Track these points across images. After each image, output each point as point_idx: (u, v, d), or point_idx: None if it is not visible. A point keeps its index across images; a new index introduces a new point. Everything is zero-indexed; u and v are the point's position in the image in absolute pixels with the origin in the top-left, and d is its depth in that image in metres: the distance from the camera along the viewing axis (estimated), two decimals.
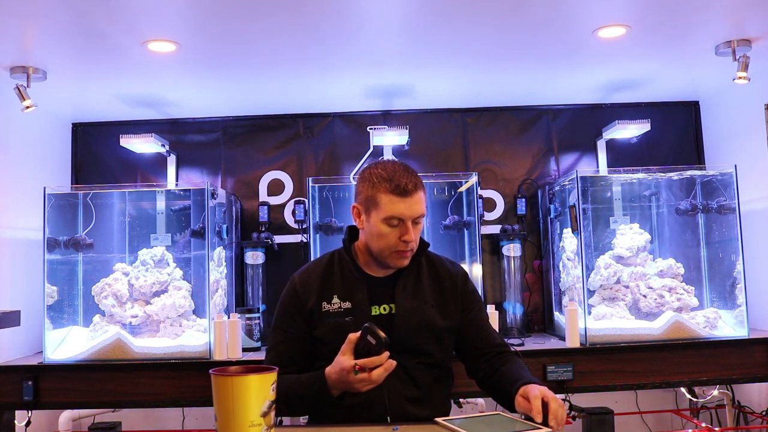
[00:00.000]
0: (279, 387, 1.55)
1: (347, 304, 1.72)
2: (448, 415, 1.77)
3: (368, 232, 1.72)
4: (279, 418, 1.85)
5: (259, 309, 3.22)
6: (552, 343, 3.05)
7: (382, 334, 1.51)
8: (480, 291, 3.07)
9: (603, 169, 3.55)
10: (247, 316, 3.10)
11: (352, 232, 1.83)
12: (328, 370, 1.59)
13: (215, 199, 3.09)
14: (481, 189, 3.56)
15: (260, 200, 3.63)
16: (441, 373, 1.80)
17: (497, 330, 2.88)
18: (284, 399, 1.54)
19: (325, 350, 1.69)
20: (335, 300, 1.73)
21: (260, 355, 3.01)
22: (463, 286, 1.84)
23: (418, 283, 1.79)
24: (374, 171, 1.71)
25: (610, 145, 3.62)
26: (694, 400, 3.35)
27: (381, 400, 1.67)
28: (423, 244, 1.81)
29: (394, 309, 1.73)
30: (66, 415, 3.14)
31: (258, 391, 1.22)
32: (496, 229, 3.57)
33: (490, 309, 2.90)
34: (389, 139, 3.38)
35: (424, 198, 1.71)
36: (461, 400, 3.19)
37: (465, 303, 1.82)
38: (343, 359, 1.55)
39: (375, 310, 1.73)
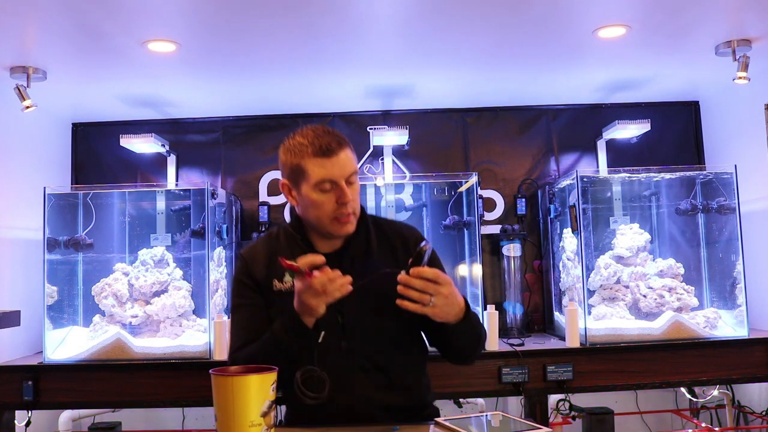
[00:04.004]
0: (257, 354, 1.51)
1: None
2: (428, 392, 1.73)
3: (303, 205, 1.61)
4: (279, 419, 1.83)
5: None
6: (552, 343, 3.05)
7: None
8: (480, 291, 3.07)
9: (603, 169, 3.55)
10: None
11: (295, 209, 1.71)
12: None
13: (215, 199, 3.09)
14: (481, 189, 3.56)
15: (260, 200, 3.63)
16: (406, 346, 1.67)
17: (497, 331, 2.91)
18: (266, 356, 1.48)
19: None
20: (287, 278, 1.62)
21: None
22: (416, 246, 1.66)
23: (367, 254, 1.66)
24: (293, 141, 1.59)
25: (610, 145, 3.62)
26: (694, 400, 3.35)
27: (349, 394, 1.57)
28: (365, 214, 1.70)
29: None
30: (66, 415, 3.14)
31: (258, 391, 1.22)
32: (496, 229, 3.57)
33: (491, 309, 2.90)
34: (389, 139, 3.38)
35: (352, 155, 1.60)
36: (461, 400, 3.19)
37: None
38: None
39: None
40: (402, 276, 1.44)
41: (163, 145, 3.43)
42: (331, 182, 1.55)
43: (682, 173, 3.26)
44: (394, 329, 1.65)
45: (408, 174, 3.62)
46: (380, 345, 1.63)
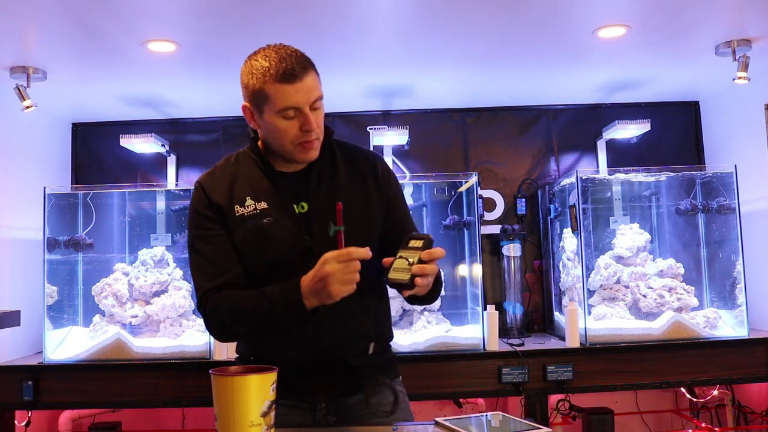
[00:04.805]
0: (238, 305, 1.45)
1: (263, 204, 1.54)
2: (389, 320, 1.71)
3: (265, 130, 1.53)
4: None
5: None
6: (552, 343, 3.05)
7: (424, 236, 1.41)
8: (480, 291, 3.07)
9: (603, 169, 3.55)
10: None
11: (256, 131, 1.62)
12: (305, 276, 1.40)
13: None
14: (481, 189, 3.56)
15: None
16: (372, 273, 1.52)
17: (497, 331, 2.92)
18: (248, 317, 1.45)
19: (248, 260, 1.53)
20: (249, 202, 1.54)
21: None
22: (385, 178, 1.65)
23: (333, 175, 1.59)
24: (254, 62, 1.49)
25: (610, 145, 3.62)
26: (694, 400, 3.35)
27: (314, 323, 1.48)
28: (328, 131, 1.61)
29: (306, 207, 1.54)
30: (66, 415, 3.14)
31: (258, 391, 1.22)
32: (496, 229, 3.57)
33: (491, 309, 2.90)
34: (389, 139, 3.39)
35: (317, 78, 1.51)
36: (461, 400, 3.19)
37: (389, 197, 1.64)
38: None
39: (296, 209, 1.54)
40: (423, 263, 1.38)
41: (163, 145, 3.43)
42: (295, 109, 1.47)
43: (682, 173, 3.26)
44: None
45: (408, 174, 3.62)
46: None
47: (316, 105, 1.50)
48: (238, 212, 1.54)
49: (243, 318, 1.48)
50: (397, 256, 1.41)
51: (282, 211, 1.53)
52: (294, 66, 1.45)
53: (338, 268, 1.34)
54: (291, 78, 1.45)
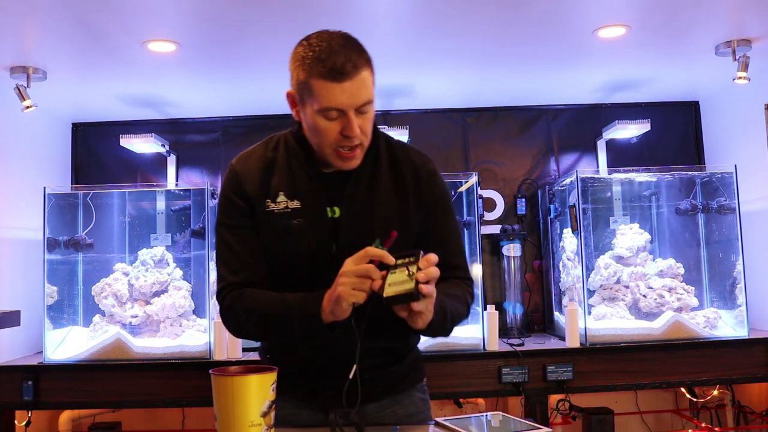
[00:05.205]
0: (256, 306, 1.38)
1: (295, 203, 1.42)
2: (416, 338, 1.60)
3: (306, 125, 1.40)
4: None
5: None
6: (552, 343, 3.05)
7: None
8: (480, 291, 3.07)
9: (603, 169, 3.55)
10: None
11: None
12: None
13: (215, 199, 3.09)
14: (481, 189, 3.56)
15: None
16: None
17: (497, 331, 2.91)
18: (263, 321, 1.38)
19: (269, 257, 1.45)
20: (281, 198, 1.43)
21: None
22: (428, 184, 1.49)
23: (372, 182, 1.45)
24: (305, 49, 1.34)
25: (610, 145, 3.62)
26: (694, 400, 3.35)
27: (338, 349, 1.35)
28: (377, 137, 1.47)
29: (338, 213, 1.42)
30: (66, 415, 3.14)
31: (258, 391, 1.22)
32: (496, 229, 3.57)
33: (491, 309, 2.90)
34: None
35: (370, 79, 1.35)
36: (461, 400, 3.19)
37: (428, 206, 1.48)
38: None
39: (329, 212, 1.43)
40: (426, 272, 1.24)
41: (163, 145, 3.43)
42: (339, 111, 1.32)
43: (682, 173, 3.26)
44: None
45: None
46: None
47: (364, 109, 1.34)
48: (268, 207, 1.43)
49: (258, 320, 1.41)
50: (390, 272, 1.27)
51: (314, 213, 1.43)
52: (345, 63, 1.29)
53: (355, 269, 1.26)
54: (339, 76, 1.29)
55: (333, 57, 1.29)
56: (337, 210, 1.43)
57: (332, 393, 1.40)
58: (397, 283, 1.25)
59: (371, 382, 1.47)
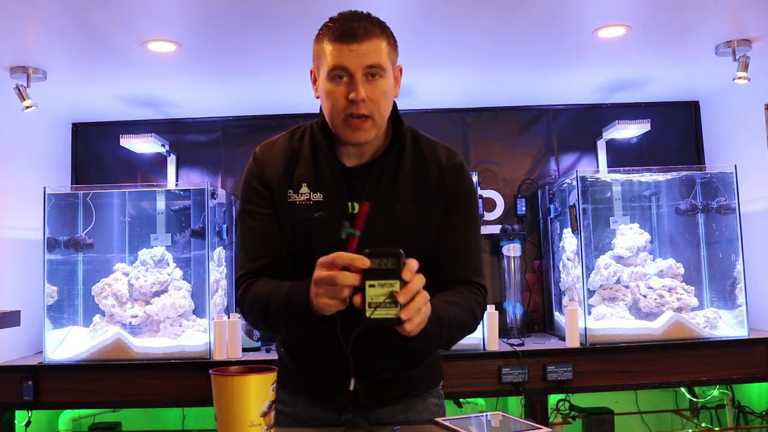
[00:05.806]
0: (258, 295, 1.34)
1: (318, 196, 1.39)
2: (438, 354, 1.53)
3: (321, 98, 1.38)
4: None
5: None
6: (552, 343, 3.05)
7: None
8: None
9: (603, 169, 3.55)
10: None
11: None
12: None
13: (215, 199, 3.09)
14: (481, 189, 3.56)
15: None
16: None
17: (497, 331, 2.91)
18: (262, 308, 1.34)
19: (288, 250, 1.41)
20: (304, 189, 1.40)
21: (260, 355, 3.01)
22: (452, 182, 1.43)
23: (395, 177, 1.41)
24: (327, 22, 1.37)
25: (610, 145, 3.62)
26: (694, 400, 3.35)
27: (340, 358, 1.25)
28: (405, 128, 1.46)
29: (357, 208, 1.37)
30: (66, 415, 3.14)
31: (258, 391, 1.22)
32: (496, 229, 3.57)
33: (491, 309, 2.90)
34: None
35: (386, 51, 1.35)
36: (461, 400, 3.19)
37: (449, 205, 1.42)
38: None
39: (350, 207, 1.40)
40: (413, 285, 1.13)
41: (163, 145, 3.43)
42: (345, 71, 1.31)
43: (682, 173, 3.26)
44: None
45: None
46: None
47: (372, 72, 1.32)
48: (290, 198, 1.41)
49: (259, 309, 1.37)
50: (367, 286, 1.11)
51: (335, 208, 1.39)
52: (357, 27, 1.30)
53: (323, 277, 1.16)
54: (348, 38, 1.30)
55: (348, 22, 1.32)
56: (356, 205, 1.40)
57: (345, 394, 1.32)
58: (377, 301, 1.11)
59: (387, 384, 1.45)
